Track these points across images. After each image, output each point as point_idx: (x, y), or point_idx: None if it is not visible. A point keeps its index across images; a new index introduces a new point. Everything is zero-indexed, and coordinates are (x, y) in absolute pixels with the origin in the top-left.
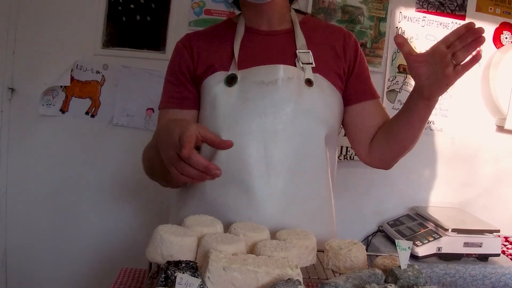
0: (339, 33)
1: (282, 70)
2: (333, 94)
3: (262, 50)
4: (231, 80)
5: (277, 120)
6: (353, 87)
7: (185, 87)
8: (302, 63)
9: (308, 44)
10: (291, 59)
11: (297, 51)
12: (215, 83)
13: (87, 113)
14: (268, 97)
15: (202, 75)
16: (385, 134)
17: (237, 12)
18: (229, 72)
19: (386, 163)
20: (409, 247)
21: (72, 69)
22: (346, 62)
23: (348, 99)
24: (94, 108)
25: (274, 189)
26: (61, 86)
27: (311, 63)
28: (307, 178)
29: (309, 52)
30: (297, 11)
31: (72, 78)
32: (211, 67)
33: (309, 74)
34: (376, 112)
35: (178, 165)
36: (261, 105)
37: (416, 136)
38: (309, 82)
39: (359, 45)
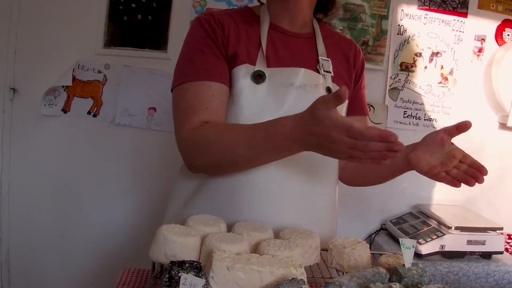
0: (351, 45)
1: (310, 76)
2: (345, 104)
3: (287, 51)
4: (259, 77)
5: None
6: (353, 100)
7: (220, 60)
8: (324, 70)
9: (326, 51)
10: (312, 65)
11: (319, 57)
12: (241, 75)
13: (89, 113)
14: (295, 101)
15: (229, 60)
16: (358, 168)
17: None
18: (256, 68)
19: (348, 183)
20: (413, 246)
21: (73, 69)
22: (354, 75)
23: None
24: (96, 108)
25: (290, 192)
26: (63, 86)
27: (330, 72)
28: (319, 182)
29: (329, 60)
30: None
31: (74, 78)
32: (236, 56)
33: (329, 82)
34: None
35: (357, 148)
36: (286, 107)
37: (379, 183)
38: (328, 91)
39: (364, 62)
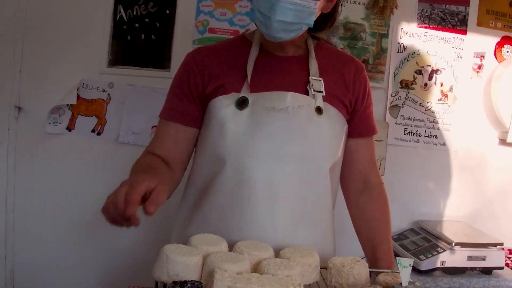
0: (351, 64)
1: (293, 98)
2: (341, 123)
3: (274, 75)
4: (242, 103)
5: (285, 146)
6: (356, 122)
7: (189, 103)
8: (314, 90)
9: (320, 71)
10: (302, 86)
11: (310, 77)
12: (225, 104)
13: (93, 131)
14: (278, 124)
15: (211, 94)
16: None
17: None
18: (241, 95)
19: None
20: (410, 265)
21: (78, 88)
22: (353, 95)
23: (348, 132)
24: (100, 126)
25: (277, 213)
26: (68, 105)
27: (322, 92)
28: (310, 204)
29: (321, 80)
30: (313, 36)
31: (78, 97)
32: (221, 87)
33: (320, 102)
34: (366, 152)
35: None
36: (270, 131)
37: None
38: (319, 110)
39: (368, 80)
